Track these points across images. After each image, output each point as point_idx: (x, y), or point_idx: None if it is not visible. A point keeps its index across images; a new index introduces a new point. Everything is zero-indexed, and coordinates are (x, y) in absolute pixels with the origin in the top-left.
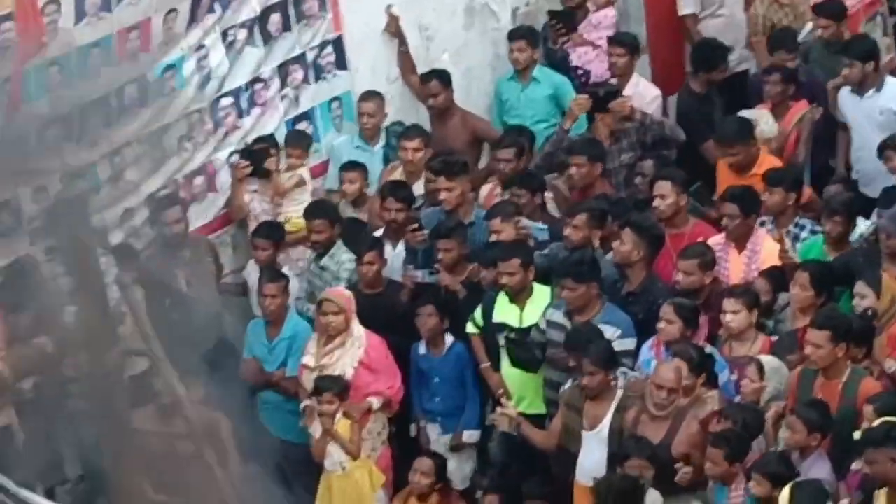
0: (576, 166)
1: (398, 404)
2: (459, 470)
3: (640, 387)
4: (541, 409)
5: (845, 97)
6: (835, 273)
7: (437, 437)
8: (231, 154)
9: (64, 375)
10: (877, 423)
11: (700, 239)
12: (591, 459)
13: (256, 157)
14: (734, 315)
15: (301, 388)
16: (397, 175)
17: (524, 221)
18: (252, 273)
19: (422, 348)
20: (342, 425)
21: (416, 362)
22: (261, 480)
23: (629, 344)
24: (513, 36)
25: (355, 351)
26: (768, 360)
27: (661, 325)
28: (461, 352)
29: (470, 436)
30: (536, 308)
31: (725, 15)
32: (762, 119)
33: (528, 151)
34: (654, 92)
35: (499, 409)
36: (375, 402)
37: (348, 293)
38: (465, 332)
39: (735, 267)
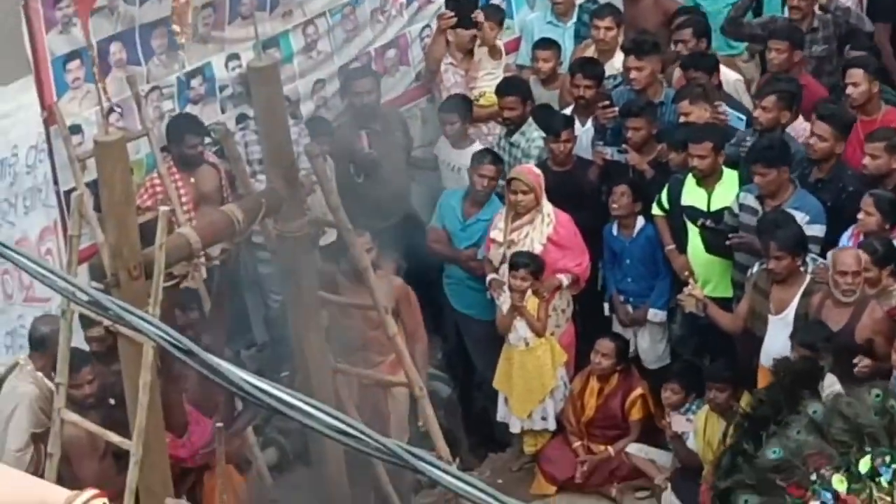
0: (776, 51)
1: (586, 282)
2: (653, 350)
3: (827, 274)
4: (727, 292)
5: None
6: None
7: (626, 315)
8: (439, 14)
9: (252, 242)
10: None
11: (894, 125)
12: (776, 343)
13: (463, 7)
14: None
15: (488, 265)
16: (590, 53)
17: (724, 107)
18: (443, 147)
19: (614, 229)
20: (531, 302)
21: (608, 242)
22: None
23: (818, 230)
24: None
25: (544, 228)
26: None
27: (861, 215)
28: (652, 234)
29: (655, 314)
30: (725, 192)
31: None
32: None
33: (705, 32)
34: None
35: (686, 290)
36: (565, 280)
37: (537, 171)
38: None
39: None
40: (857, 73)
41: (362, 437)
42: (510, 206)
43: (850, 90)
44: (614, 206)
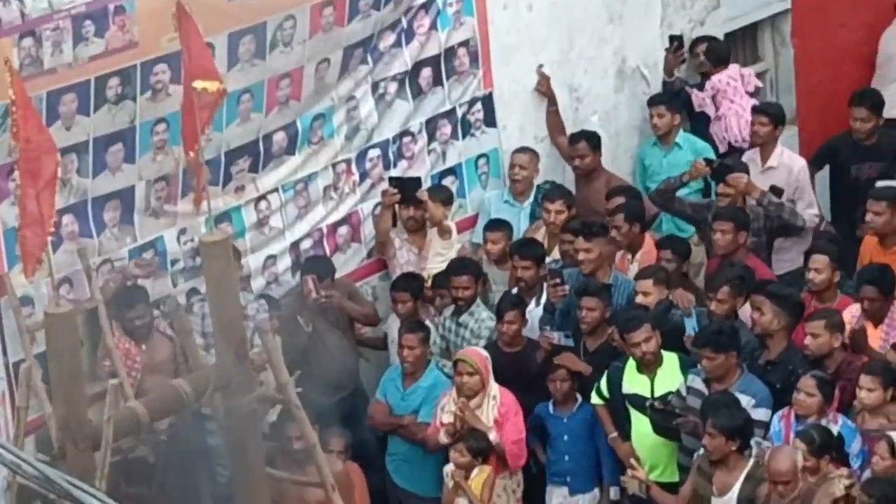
0: (720, 232)
1: (521, 460)
2: None
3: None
4: (674, 477)
5: None
6: None
7: (563, 500)
8: (383, 191)
9: (200, 417)
10: None
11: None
12: None
13: (408, 185)
14: (869, 392)
15: (435, 444)
16: (540, 234)
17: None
18: (392, 325)
19: (550, 407)
20: (477, 481)
21: (546, 422)
22: None
23: (762, 414)
24: (653, 101)
25: (491, 410)
26: None
27: (801, 396)
28: (590, 414)
29: (615, 492)
30: (667, 377)
31: None
32: None
33: (638, 217)
34: (801, 162)
35: (629, 472)
36: (493, 436)
37: (484, 353)
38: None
39: (872, 341)
40: (820, 259)
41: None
42: (457, 388)
43: (811, 275)
44: (553, 387)
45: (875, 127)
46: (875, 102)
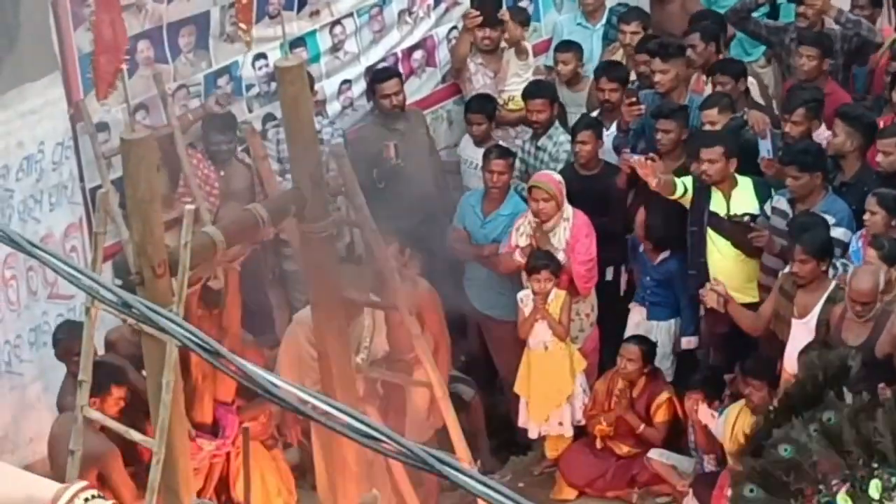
0: (807, 58)
1: (590, 283)
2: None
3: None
4: (754, 297)
5: None
6: None
7: (640, 320)
8: (464, 14)
9: (279, 239)
10: None
11: None
12: (798, 349)
13: (488, 5)
14: None
15: (510, 266)
16: (618, 56)
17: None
18: (466, 148)
19: (640, 247)
20: (553, 305)
21: (637, 254)
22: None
23: (842, 234)
24: None
25: (564, 232)
26: None
27: (866, 216)
28: (675, 268)
29: (689, 342)
30: (743, 197)
31: None
32: None
33: (720, 37)
34: None
35: (709, 285)
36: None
37: (558, 177)
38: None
39: None
40: None
41: (386, 439)
42: (533, 213)
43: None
44: (640, 238)
45: None
46: None
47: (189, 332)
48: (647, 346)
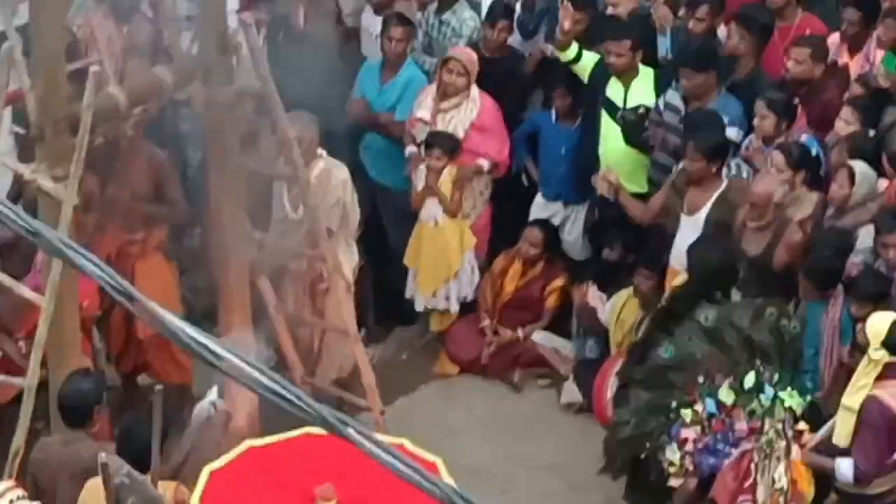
0: None
1: (506, 168)
2: (578, 243)
3: (742, 185)
4: (642, 187)
5: None
6: None
7: (554, 212)
8: None
9: (177, 106)
10: None
11: (808, 32)
12: (685, 244)
13: None
14: (846, 125)
15: (407, 136)
16: None
17: None
18: (366, 15)
19: (552, 117)
20: (446, 182)
21: (544, 132)
22: None
23: (734, 133)
24: None
25: (469, 113)
26: (860, 168)
27: (756, 120)
28: (589, 128)
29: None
30: (641, 89)
31: None
32: None
33: None
34: None
35: (601, 172)
36: (485, 164)
37: (474, 55)
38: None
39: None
40: None
41: (297, 402)
42: (440, 85)
43: None
44: (557, 102)
45: None
46: None
47: (103, 272)
48: (550, 231)
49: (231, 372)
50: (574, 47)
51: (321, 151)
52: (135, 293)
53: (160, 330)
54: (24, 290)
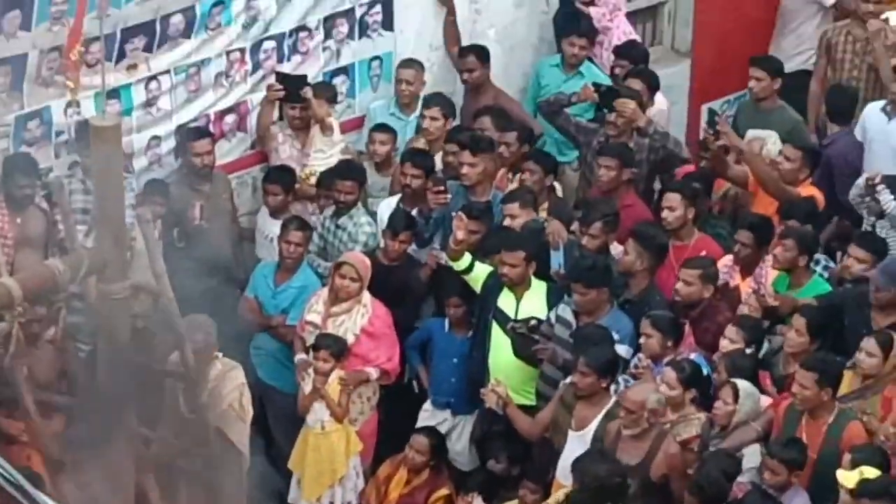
0: (605, 168)
1: (395, 377)
2: (466, 453)
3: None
4: (530, 400)
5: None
6: (827, 316)
7: (442, 421)
8: (268, 85)
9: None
10: (853, 472)
11: (703, 253)
12: (572, 459)
13: (293, 82)
14: (731, 343)
15: (298, 341)
16: (421, 145)
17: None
18: (262, 217)
19: (445, 326)
20: (333, 387)
21: (436, 340)
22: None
23: (624, 351)
24: (569, 31)
25: (359, 318)
26: (744, 385)
27: (642, 339)
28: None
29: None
30: (533, 302)
31: None
32: (769, 140)
33: (535, 140)
34: (663, 106)
35: (490, 385)
36: (373, 373)
37: (368, 261)
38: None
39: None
40: (673, 198)
41: None
42: (332, 289)
43: (665, 214)
44: (451, 311)
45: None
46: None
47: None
48: (437, 439)
49: None
50: (467, 257)
51: (218, 353)
52: (21, 481)
53: None
54: None
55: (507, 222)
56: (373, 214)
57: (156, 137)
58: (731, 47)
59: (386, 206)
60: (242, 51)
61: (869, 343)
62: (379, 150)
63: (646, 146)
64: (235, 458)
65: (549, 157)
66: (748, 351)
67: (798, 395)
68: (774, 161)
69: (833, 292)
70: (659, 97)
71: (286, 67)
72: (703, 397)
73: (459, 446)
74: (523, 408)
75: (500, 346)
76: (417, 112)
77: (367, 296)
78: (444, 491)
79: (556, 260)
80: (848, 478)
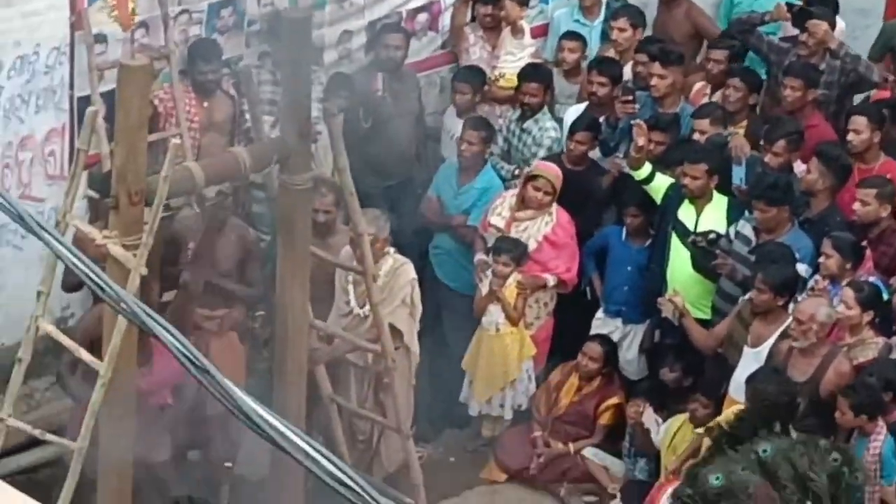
0: (790, 88)
1: (573, 287)
2: (636, 362)
3: None
4: (706, 314)
5: None
6: None
7: (614, 329)
8: None
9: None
10: None
11: (888, 176)
12: (746, 376)
13: None
14: None
15: (479, 241)
16: (611, 55)
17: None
18: (449, 116)
19: (622, 234)
20: (510, 290)
21: (612, 247)
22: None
23: (803, 270)
24: None
25: (543, 226)
26: None
27: (821, 259)
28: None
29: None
30: (713, 215)
31: None
32: None
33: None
34: (841, 27)
35: (668, 295)
36: (551, 280)
37: (560, 174)
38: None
39: None
40: (859, 121)
41: (361, 493)
42: (522, 197)
43: (850, 137)
44: (628, 220)
45: None
46: None
47: (179, 343)
48: (609, 347)
49: (297, 455)
50: (647, 167)
51: (390, 248)
52: (211, 368)
53: (231, 408)
54: (83, 354)
55: (695, 136)
56: (559, 121)
57: (347, 32)
58: None
59: (574, 112)
60: None
61: None
62: (568, 58)
63: (837, 68)
64: (405, 355)
65: (756, 74)
66: None
67: None
68: None
69: None
70: (837, 20)
71: None
72: (882, 322)
73: (630, 355)
74: (699, 321)
75: (679, 258)
76: (601, 17)
77: (553, 205)
78: (614, 399)
79: (738, 174)
80: None
